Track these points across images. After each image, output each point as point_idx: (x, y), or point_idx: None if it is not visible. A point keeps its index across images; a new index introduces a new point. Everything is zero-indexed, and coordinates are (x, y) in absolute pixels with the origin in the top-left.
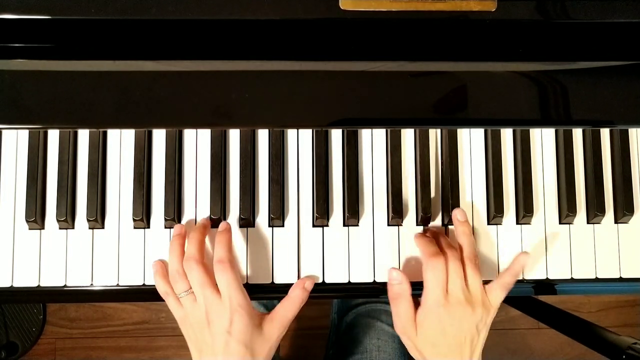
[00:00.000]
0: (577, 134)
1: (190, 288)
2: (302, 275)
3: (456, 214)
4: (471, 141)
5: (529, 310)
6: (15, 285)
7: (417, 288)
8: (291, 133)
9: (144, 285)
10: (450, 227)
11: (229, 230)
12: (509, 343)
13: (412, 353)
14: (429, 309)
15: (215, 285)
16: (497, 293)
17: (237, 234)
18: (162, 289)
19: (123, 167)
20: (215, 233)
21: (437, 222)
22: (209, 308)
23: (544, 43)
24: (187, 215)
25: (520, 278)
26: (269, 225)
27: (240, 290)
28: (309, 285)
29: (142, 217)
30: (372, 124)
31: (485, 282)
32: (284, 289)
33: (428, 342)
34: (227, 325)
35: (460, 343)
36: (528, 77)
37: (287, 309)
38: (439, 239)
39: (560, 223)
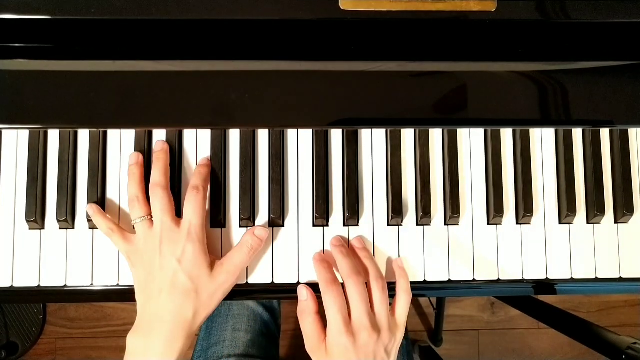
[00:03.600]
0: (577, 134)
1: (149, 215)
2: (302, 275)
3: (354, 243)
4: (471, 141)
5: (528, 310)
6: (16, 285)
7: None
8: (291, 133)
9: None
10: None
11: (208, 165)
12: (508, 343)
13: None
14: (334, 338)
15: (174, 214)
16: (402, 305)
17: (238, 234)
18: (105, 227)
19: (123, 167)
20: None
21: (436, 221)
22: (164, 234)
23: (544, 43)
24: None
25: (520, 278)
26: (269, 225)
27: (202, 220)
28: (259, 232)
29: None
30: (372, 124)
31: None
32: (284, 288)
33: None
34: (180, 253)
35: None
36: (528, 77)
37: (235, 254)
38: (347, 261)
39: (560, 223)
